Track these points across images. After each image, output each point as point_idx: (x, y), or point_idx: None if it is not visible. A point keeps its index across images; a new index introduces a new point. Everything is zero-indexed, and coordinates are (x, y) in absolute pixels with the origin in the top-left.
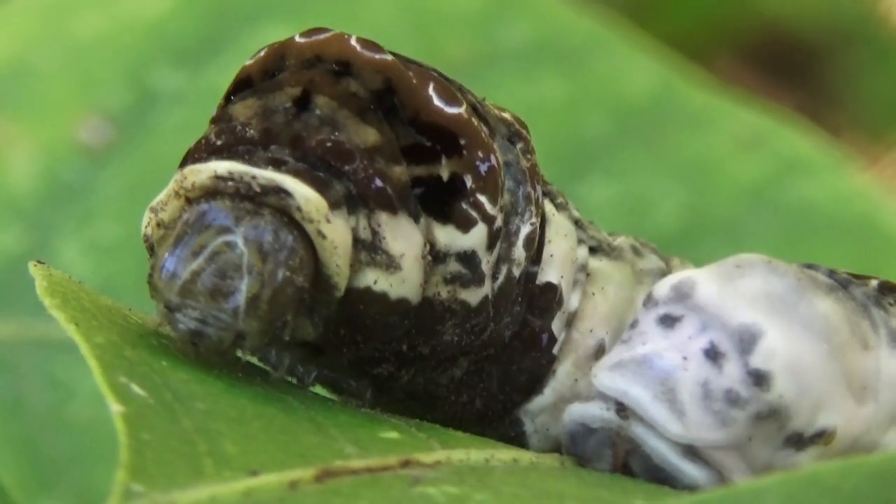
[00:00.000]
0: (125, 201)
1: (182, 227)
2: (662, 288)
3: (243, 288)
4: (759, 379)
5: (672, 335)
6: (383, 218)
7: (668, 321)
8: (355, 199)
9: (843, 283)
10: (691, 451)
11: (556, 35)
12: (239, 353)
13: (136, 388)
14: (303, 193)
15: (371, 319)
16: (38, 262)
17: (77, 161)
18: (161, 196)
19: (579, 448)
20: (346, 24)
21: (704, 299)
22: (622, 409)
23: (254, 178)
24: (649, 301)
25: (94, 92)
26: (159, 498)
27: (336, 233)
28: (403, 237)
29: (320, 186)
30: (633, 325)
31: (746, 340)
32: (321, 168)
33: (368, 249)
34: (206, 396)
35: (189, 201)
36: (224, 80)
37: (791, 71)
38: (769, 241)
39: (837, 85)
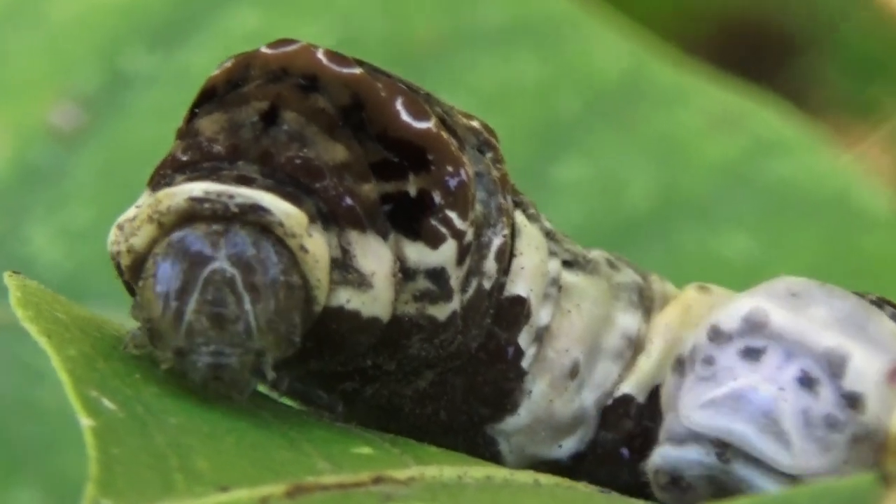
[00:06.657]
0: (97, 186)
1: (162, 265)
2: (731, 321)
3: (248, 307)
4: (854, 401)
5: (760, 367)
6: (353, 236)
7: (752, 353)
8: (326, 217)
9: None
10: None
11: (529, 15)
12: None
13: (106, 402)
14: (283, 209)
15: (341, 337)
16: (14, 272)
17: (48, 145)
18: (129, 212)
19: (673, 496)
20: (316, 5)
21: (781, 327)
22: (722, 451)
23: (231, 197)
24: (719, 336)
25: (65, 75)
26: None
27: (317, 246)
28: (373, 255)
29: (295, 202)
30: (708, 361)
31: (836, 364)
32: (290, 185)
33: (340, 268)
34: (179, 410)
35: (162, 226)
36: (197, 62)
37: (773, 52)
38: (743, 219)
39: (821, 63)
